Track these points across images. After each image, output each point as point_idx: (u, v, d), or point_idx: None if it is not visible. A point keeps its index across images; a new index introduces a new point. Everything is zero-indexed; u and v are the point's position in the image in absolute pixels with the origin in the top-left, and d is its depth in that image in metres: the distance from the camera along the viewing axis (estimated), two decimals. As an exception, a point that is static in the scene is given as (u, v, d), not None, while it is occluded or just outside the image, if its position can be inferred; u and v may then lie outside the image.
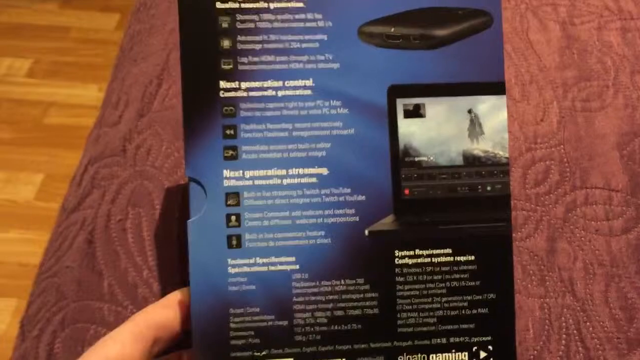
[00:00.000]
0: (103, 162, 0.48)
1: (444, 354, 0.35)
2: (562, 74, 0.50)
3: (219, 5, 0.35)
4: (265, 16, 0.35)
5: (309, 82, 0.35)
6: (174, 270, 0.42)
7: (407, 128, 0.36)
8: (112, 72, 0.60)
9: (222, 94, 0.35)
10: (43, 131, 1.27)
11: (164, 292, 0.40)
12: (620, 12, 0.54)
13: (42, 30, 1.46)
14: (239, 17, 0.35)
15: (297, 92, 0.35)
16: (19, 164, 1.22)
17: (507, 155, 0.37)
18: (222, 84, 0.35)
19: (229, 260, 0.34)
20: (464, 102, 0.37)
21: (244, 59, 0.35)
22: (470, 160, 0.36)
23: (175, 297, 0.34)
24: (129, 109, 0.51)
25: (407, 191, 0.36)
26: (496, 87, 0.37)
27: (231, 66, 0.35)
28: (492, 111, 0.37)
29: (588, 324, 0.40)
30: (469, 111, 0.37)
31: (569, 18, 0.54)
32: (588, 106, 0.48)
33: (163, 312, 0.33)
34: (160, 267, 0.42)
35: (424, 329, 0.35)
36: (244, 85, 0.35)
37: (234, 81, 0.35)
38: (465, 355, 0.35)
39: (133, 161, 0.47)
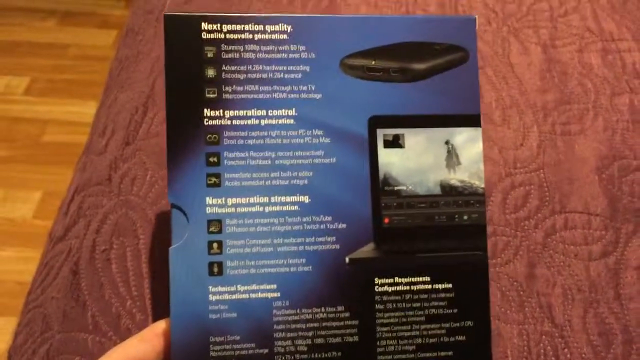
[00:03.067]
0: (89, 191, 0.49)
1: None
2: (542, 97, 0.50)
3: (204, 35, 0.36)
4: (250, 47, 0.36)
5: (292, 112, 0.36)
6: (157, 301, 0.42)
7: (387, 158, 0.37)
8: (100, 99, 0.60)
9: (206, 122, 0.35)
10: (41, 149, 1.28)
11: (146, 323, 0.41)
12: (601, 33, 0.55)
13: (40, 47, 1.47)
14: (224, 47, 0.36)
15: (280, 121, 0.36)
16: (16, 182, 1.22)
17: (483, 185, 0.37)
18: (206, 112, 0.35)
19: (210, 287, 0.35)
20: (441, 133, 0.37)
21: (228, 88, 0.36)
22: (448, 189, 0.37)
23: (152, 331, 0.34)
24: (115, 137, 0.52)
25: (386, 220, 0.37)
26: (472, 120, 0.37)
27: (215, 95, 0.35)
28: (469, 142, 0.37)
29: (566, 350, 0.40)
30: (446, 142, 0.37)
31: (550, 40, 0.54)
32: (568, 129, 0.49)
33: (140, 347, 0.34)
34: (143, 298, 0.42)
35: (403, 356, 0.36)
36: (228, 113, 0.35)
37: (218, 109, 0.35)
38: None
39: (118, 190, 0.48)
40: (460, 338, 0.36)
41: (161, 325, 0.35)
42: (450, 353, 0.36)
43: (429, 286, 0.36)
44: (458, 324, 0.36)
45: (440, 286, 0.36)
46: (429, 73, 0.37)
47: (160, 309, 0.41)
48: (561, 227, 0.44)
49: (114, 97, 0.58)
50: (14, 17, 1.53)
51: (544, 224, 0.44)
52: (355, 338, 0.35)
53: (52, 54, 1.46)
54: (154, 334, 0.34)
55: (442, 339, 0.36)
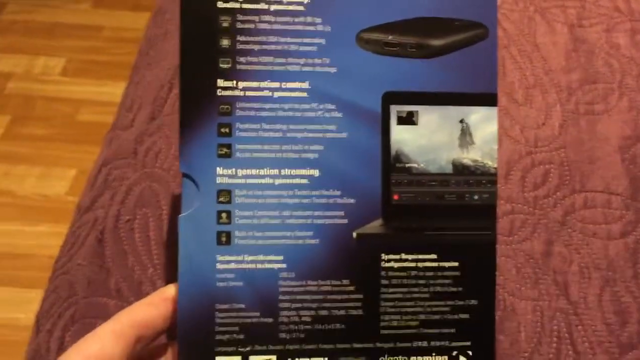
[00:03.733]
0: (115, 164, 0.50)
1: (424, 357, 0.36)
2: (567, 77, 0.50)
3: (220, 4, 0.36)
4: (266, 17, 0.36)
5: (305, 85, 0.36)
6: (177, 268, 0.43)
7: (400, 134, 0.37)
8: (129, 75, 0.62)
9: (219, 92, 0.35)
10: (75, 128, 1.31)
11: (167, 290, 0.42)
12: (631, 13, 0.54)
13: (76, 29, 1.50)
14: (239, 17, 0.36)
15: (293, 94, 0.36)
16: (52, 159, 1.26)
17: (495, 165, 0.37)
18: (220, 82, 0.35)
19: (218, 256, 0.35)
20: (456, 111, 0.37)
21: (243, 59, 0.36)
22: (460, 169, 0.37)
23: (160, 295, 0.35)
24: (141, 113, 0.53)
25: (396, 196, 0.37)
26: (488, 99, 0.37)
27: (229, 65, 0.35)
28: (483, 122, 0.37)
29: (580, 327, 0.40)
30: (461, 121, 0.37)
31: (577, 20, 0.54)
32: (592, 109, 0.48)
33: (147, 310, 0.34)
34: (164, 266, 0.43)
35: (406, 331, 0.36)
36: (241, 84, 0.35)
37: (231, 80, 0.35)
38: (445, 359, 0.36)
39: (142, 163, 0.49)
40: (464, 316, 0.36)
41: (169, 290, 0.35)
42: (453, 330, 0.36)
43: (435, 264, 0.36)
44: (462, 302, 0.36)
45: (446, 264, 0.36)
46: (446, 49, 0.37)
47: (174, 278, 0.42)
48: (580, 206, 0.44)
49: (141, 74, 0.59)
50: (50, -1, 1.56)
51: (563, 202, 0.44)
52: (359, 312, 0.36)
53: (86, 36, 1.48)
54: (161, 299, 0.35)
55: (445, 316, 0.36)
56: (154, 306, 0.34)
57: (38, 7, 1.53)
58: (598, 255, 0.42)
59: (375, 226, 0.36)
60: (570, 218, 0.44)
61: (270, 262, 0.35)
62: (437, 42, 0.37)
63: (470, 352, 0.36)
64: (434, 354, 0.36)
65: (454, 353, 0.36)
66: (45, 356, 0.43)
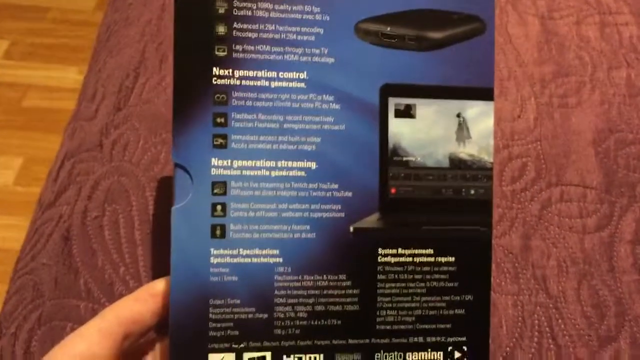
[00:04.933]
0: (79, 157, 0.48)
1: (420, 353, 0.36)
2: (540, 69, 0.50)
3: None
4: (263, 5, 0.35)
5: (303, 75, 0.35)
6: (150, 268, 0.42)
7: (397, 127, 0.36)
8: (89, 63, 0.59)
9: (214, 81, 0.34)
10: (21, 114, 1.25)
11: (140, 291, 0.40)
12: (599, 5, 0.55)
13: (20, 10, 1.43)
14: (236, 3, 0.34)
15: (291, 84, 0.35)
16: (-3, 147, 1.20)
17: (491, 160, 0.37)
18: (215, 70, 0.34)
19: (212, 250, 0.34)
20: (453, 105, 0.37)
21: (239, 47, 0.34)
22: (456, 163, 0.37)
23: (148, 290, 0.34)
24: (105, 103, 0.51)
25: (393, 190, 0.36)
26: (485, 93, 0.37)
27: (225, 53, 0.34)
28: (480, 116, 0.37)
29: (560, 321, 0.41)
30: (458, 115, 0.37)
31: (548, 12, 0.54)
32: (565, 102, 0.48)
33: (134, 306, 0.33)
34: (136, 265, 0.42)
35: (402, 327, 0.35)
36: (237, 73, 0.34)
37: (227, 68, 0.34)
38: (440, 355, 0.36)
39: (110, 156, 0.47)
40: (460, 311, 0.36)
41: (158, 285, 0.34)
42: (448, 326, 0.36)
43: (432, 259, 0.36)
44: (458, 298, 0.36)
45: (443, 259, 0.36)
46: (445, 42, 0.36)
47: (155, 276, 0.41)
48: (557, 200, 0.44)
49: (102, 62, 0.56)
50: (-8, -22, 1.49)
51: (540, 196, 0.44)
52: (356, 307, 0.35)
53: (31, 17, 1.42)
54: (149, 294, 0.33)
55: (441, 312, 0.36)
56: (142, 302, 0.33)
57: (-22, -13, 1.46)
58: (574, 249, 0.43)
59: (372, 220, 0.35)
60: (547, 212, 0.44)
61: (266, 256, 0.34)
62: (436, 35, 0.36)
63: (465, 348, 0.36)
64: (429, 350, 0.36)
65: (449, 349, 0.36)
66: (10, 361, 0.41)
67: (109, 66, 0.55)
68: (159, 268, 0.42)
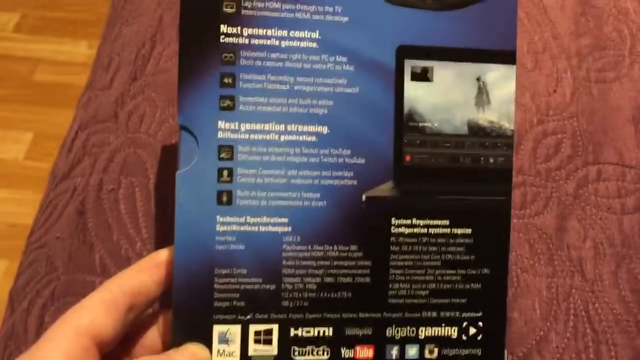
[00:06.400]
0: (94, 128, 0.46)
1: (433, 328, 0.34)
2: (576, 42, 0.48)
3: None
4: None
5: (315, 35, 0.33)
6: (167, 243, 0.40)
7: (414, 91, 0.34)
8: (103, 32, 0.57)
9: (222, 39, 0.32)
10: (32, 88, 1.23)
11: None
12: (637, -23, 0.52)
13: (30, -18, 1.41)
14: None
15: (302, 44, 0.33)
16: (7, 122, 1.18)
17: (512, 127, 0.35)
18: (223, 28, 0.32)
19: (218, 217, 0.32)
20: (473, 69, 0.35)
21: (248, 3, 0.33)
22: (475, 130, 0.35)
23: (151, 260, 0.32)
24: (120, 72, 0.49)
25: (408, 157, 0.34)
26: (507, 56, 0.35)
27: (233, 10, 0.32)
28: (501, 81, 0.35)
29: (597, 305, 0.39)
30: (478, 79, 0.35)
31: (584, -17, 0.51)
32: (603, 77, 0.46)
33: (138, 277, 0.31)
34: (153, 240, 0.40)
35: (415, 301, 0.34)
36: (246, 31, 0.33)
37: (235, 26, 0.32)
38: (454, 331, 0.34)
39: (125, 128, 0.45)
40: (476, 286, 0.34)
41: (161, 255, 0.32)
42: (464, 300, 0.34)
43: (448, 230, 0.34)
44: (475, 271, 0.34)
45: (459, 231, 0.34)
46: (464, 2, 0.35)
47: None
48: (594, 179, 0.42)
49: (118, 30, 0.54)
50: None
51: (575, 174, 0.42)
52: (367, 279, 0.34)
53: (42, -10, 1.40)
54: (152, 264, 0.32)
55: (456, 286, 0.34)
56: (145, 272, 0.31)
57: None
58: (612, 231, 0.41)
59: (385, 189, 0.34)
60: (583, 191, 0.42)
61: (274, 224, 0.33)
62: None
63: (480, 324, 0.34)
64: (443, 325, 0.34)
65: (464, 324, 0.34)
66: (23, 337, 0.39)
67: (125, 35, 0.53)
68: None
